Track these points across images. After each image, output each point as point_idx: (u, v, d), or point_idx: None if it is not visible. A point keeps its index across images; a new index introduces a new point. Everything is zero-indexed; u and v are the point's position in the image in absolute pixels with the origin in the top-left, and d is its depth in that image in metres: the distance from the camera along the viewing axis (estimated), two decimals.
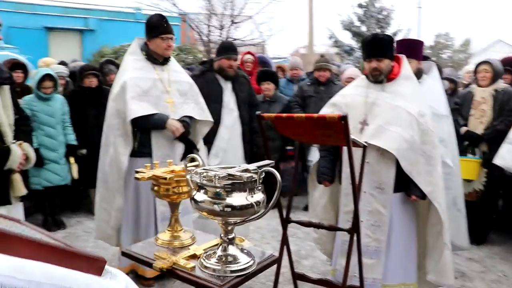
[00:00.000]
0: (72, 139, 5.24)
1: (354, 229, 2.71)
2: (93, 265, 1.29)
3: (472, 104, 4.88)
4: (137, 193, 3.56)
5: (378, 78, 3.14)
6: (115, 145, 3.41)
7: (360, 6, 22.14)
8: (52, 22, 13.81)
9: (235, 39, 22.34)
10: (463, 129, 4.85)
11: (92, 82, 5.45)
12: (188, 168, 1.79)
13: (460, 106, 5.03)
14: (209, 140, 4.29)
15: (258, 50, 29.60)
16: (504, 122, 4.54)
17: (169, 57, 3.63)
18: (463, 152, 4.82)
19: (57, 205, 5.38)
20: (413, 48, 3.69)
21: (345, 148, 2.91)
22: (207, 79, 4.39)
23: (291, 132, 2.76)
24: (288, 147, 5.97)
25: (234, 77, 4.47)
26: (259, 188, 1.69)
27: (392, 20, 22.24)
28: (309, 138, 2.82)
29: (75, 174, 5.23)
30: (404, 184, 3.07)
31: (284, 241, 2.96)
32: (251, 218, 1.68)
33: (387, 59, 3.12)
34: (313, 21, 19.78)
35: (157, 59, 3.54)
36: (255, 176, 1.64)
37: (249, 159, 4.49)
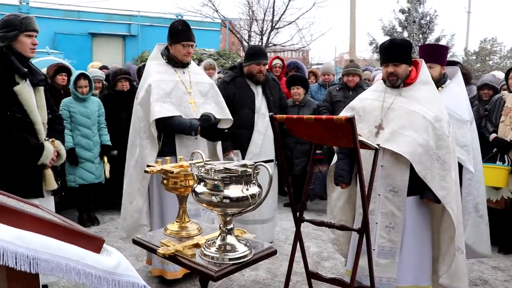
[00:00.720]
0: (106, 139, 5.50)
1: (363, 229, 2.78)
2: (92, 243, 1.45)
3: (503, 111, 4.81)
4: (162, 193, 3.69)
5: (395, 83, 3.19)
6: (141, 147, 3.56)
7: (402, 11, 21.85)
8: (96, 28, 14.40)
9: (275, 45, 22.57)
10: (492, 136, 4.80)
11: (124, 85, 5.76)
12: (190, 163, 1.92)
13: (490, 112, 4.98)
14: (243, 147, 4.37)
15: (299, 56, 29.79)
16: None
17: (189, 62, 3.79)
18: (491, 159, 4.77)
19: (92, 202, 5.65)
20: (437, 53, 3.69)
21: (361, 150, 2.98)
22: (237, 84, 4.44)
23: (303, 133, 2.85)
24: (317, 151, 6.01)
25: (265, 81, 4.51)
26: (254, 182, 1.80)
27: (436, 25, 21.83)
28: (321, 139, 2.89)
29: (108, 174, 5.47)
30: (419, 187, 3.10)
31: (297, 239, 3.04)
32: (247, 209, 1.80)
33: (404, 64, 3.15)
34: (355, 26, 19.76)
35: (177, 63, 3.70)
36: (249, 170, 1.75)
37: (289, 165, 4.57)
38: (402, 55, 3.16)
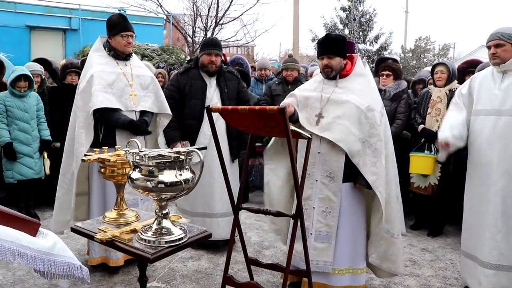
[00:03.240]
0: (46, 134, 5.39)
1: (297, 215, 2.93)
2: (28, 226, 1.52)
3: (429, 103, 5.14)
4: (103, 183, 3.72)
5: (330, 74, 3.39)
6: (77, 136, 3.57)
7: (343, 9, 22.47)
8: (34, 21, 13.88)
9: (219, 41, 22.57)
10: (420, 127, 5.12)
11: (73, 79, 5.72)
12: (126, 150, 1.99)
13: (418, 104, 5.31)
14: (192, 138, 4.36)
15: (244, 52, 29.88)
16: None
17: (131, 53, 3.84)
18: (420, 148, 5.10)
19: (32, 198, 5.54)
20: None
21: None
22: (190, 75, 4.42)
23: (238, 123, 2.96)
24: (257, 144, 6.14)
25: (219, 73, 4.46)
26: (187, 168, 1.90)
27: (375, 23, 22.59)
28: (255, 130, 3.00)
29: (48, 169, 5.38)
30: (354, 174, 3.30)
31: (235, 226, 3.15)
32: (181, 194, 1.90)
33: (338, 57, 3.36)
34: (298, 23, 20.02)
35: (119, 55, 3.75)
36: (182, 156, 1.85)
37: (236, 155, 4.54)
38: (336, 48, 3.35)
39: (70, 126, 3.78)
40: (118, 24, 3.66)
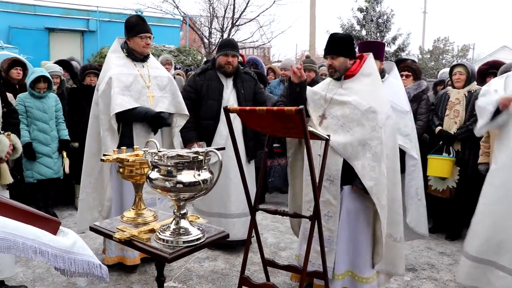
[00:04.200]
0: (65, 134, 5.46)
1: (315, 216, 2.92)
2: (49, 224, 1.53)
3: (447, 105, 5.08)
4: (121, 183, 3.76)
5: (333, 75, 3.32)
6: (103, 139, 3.63)
7: (360, 10, 22.36)
8: (53, 23, 14.10)
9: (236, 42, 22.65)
10: (438, 129, 5.06)
11: (92, 80, 5.78)
12: (145, 150, 2.01)
13: (436, 106, 5.24)
14: (209, 138, 4.38)
15: (260, 53, 29.92)
16: (476, 122, 4.72)
17: (148, 55, 3.88)
18: (438, 151, 5.03)
19: (50, 198, 5.61)
20: (375, 49, 3.78)
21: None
22: (207, 76, 4.44)
23: (255, 124, 2.96)
24: (275, 145, 6.14)
25: (236, 74, 4.47)
26: (205, 168, 1.90)
27: (393, 24, 22.44)
28: (273, 131, 2.99)
29: (67, 169, 5.45)
30: (352, 177, 3.18)
31: (252, 227, 3.15)
32: (199, 194, 1.90)
33: (342, 57, 3.26)
34: (315, 24, 20.00)
35: (137, 57, 3.79)
36: (201, 156, 1.85)
37: (252, 156, 4.54)
38: (340, 48, 3.26)
39: (90, 128, 3.84)
40: (136, 26, 3.70)
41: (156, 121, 3.71)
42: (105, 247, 3.96)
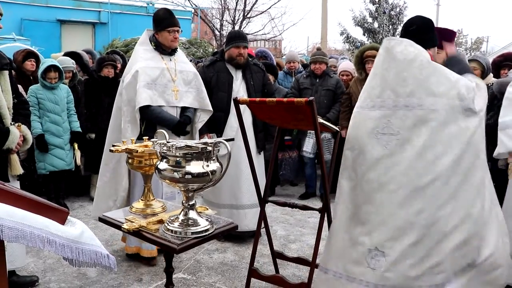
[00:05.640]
0: (76, 126, 5.49)
1: (324, 209, 2.91)
2: (57, 214, 1.53)
3: None
4: (137, 175, 3.77)
5: None
6: (123, 131, 3.66)
7: (372, 2, 22.13)
8: (65, 15, 14.16)
9: (247, 34, 22.59)
10: None
11: (109, 72, 5.87)
12: (153, 141, 2.00)
13: None
14: (219, 130, 4.39)
15: (271, 46, 29.81)
16: (494, 117, 4.64)
17: (176, 48, 3.89)
18: None
19: (62, 189, 5.65)
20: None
21: None
22: (216, 68, 4.44)
23: (265, 116, 2.95)
24: (286, 137, 6.12)
25: (245, 66, 4.47)
26: (214, 159, 1.89)
27: (405, 16, 22.17)
28: (283, 122, 2.99)
29: (78, 161, 5.48)
30: None
31: (261, 219, 3.14)
32: (208, 185, 1.89)
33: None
34: (326, 16, 19.87)
35: (165, 50, 3.81)
36: (209, 147, 1.84)
37: (262, 147, 4.57)
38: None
39: (113, 118, 3.86)
40: (165, 20, 3.71)
41: (178, 129, 3.76)
42: (125, 236, 3.98)
